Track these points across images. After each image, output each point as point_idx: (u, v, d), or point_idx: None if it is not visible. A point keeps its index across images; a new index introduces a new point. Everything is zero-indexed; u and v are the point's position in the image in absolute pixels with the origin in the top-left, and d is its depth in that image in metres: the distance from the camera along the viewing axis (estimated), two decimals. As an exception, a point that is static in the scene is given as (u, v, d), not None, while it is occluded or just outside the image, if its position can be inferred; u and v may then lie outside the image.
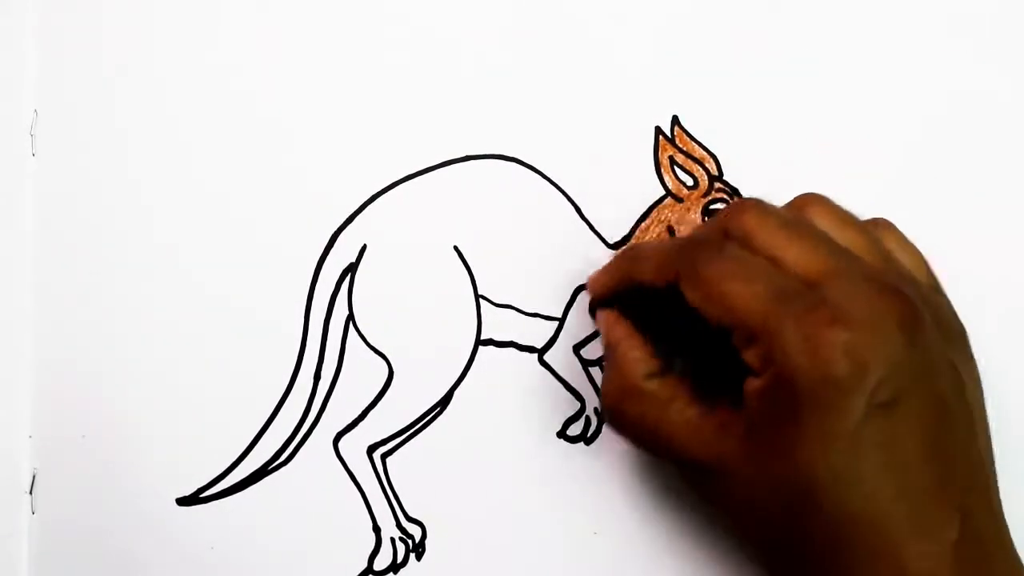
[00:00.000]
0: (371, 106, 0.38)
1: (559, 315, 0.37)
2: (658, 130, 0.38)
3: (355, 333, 0.37)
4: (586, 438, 0.37)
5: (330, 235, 0.37)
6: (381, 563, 0.36)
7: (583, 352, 0.37)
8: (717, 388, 0.31)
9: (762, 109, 0.38)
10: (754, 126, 0.38)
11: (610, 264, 0.35)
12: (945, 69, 0.39)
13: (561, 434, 0.37)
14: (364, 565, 0.36)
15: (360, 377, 0.37)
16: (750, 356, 0.29)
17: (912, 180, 0.38)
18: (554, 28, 0.39)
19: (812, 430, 0.28)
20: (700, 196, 0.38)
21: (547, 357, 0.37)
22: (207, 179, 0.38)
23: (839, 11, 0.39)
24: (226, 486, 0.36)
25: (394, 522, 0.36)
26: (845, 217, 0.32)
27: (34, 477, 0.37)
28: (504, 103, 0.38)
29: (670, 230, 0.38)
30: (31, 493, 0.36)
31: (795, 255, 0.30)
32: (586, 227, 0.38)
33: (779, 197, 0.34)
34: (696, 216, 0.38)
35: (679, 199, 0.38)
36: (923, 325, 0.29)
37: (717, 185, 0.38)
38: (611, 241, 0.38)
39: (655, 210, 0.38)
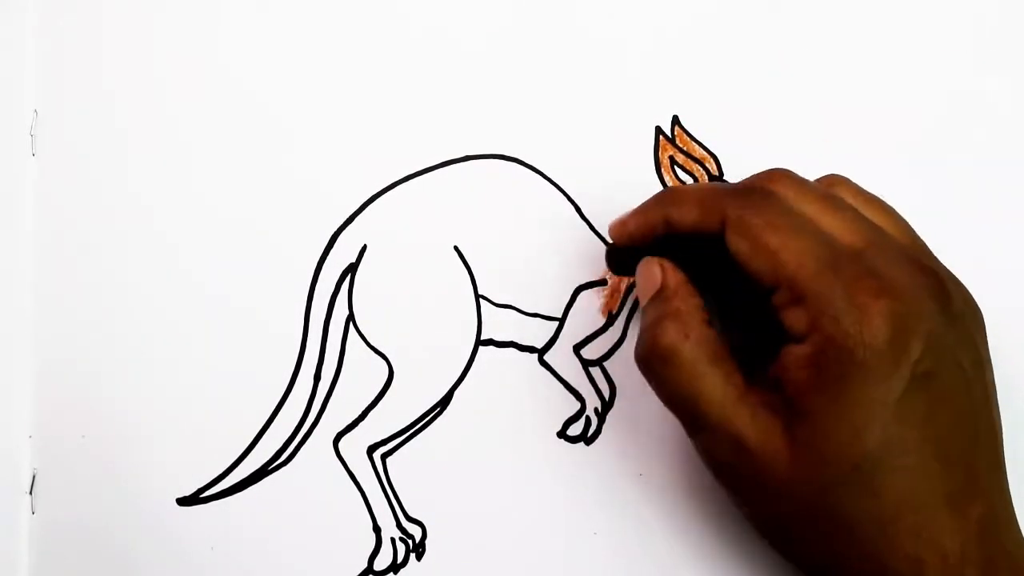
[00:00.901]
0: (371, 106, 0.38)
1: (559, 315, 0.37)
2: (658, 130, 0.38)
3: (355, 333, 0.37)
4: (586, 438, 0.37)
5: (330, 235, 0.37)
6: (381, 563, 0.36)
7: (583, 352, 0.37)
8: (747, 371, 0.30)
9: (762, 109, 0.38)
10: (754, 126, 0.38)
11: (644, 206, 0.33)
12: (945, 69, 0.39)
13: (561, 434, 0.37)
14: (364, 565, 0.36)
15: (360, 377, 0.37)
16: (793, 318, 0.29)
17: (912, 179, 0.38)
18: (554, 28, 0.39)
19: (859, 398, 0.27)
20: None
21: (547, 357, 0.37)
22: (207, 179, 0.38)
23: (839, 11, 0.39)
24: (226, 486, 0.36)
25: (394, 522, 0.36)
26: (871, 198, 0.32)
27: (34, 477, 0.37)
28: (504, 103, 0.38)
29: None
30: (31, 493, 0.36)
31: (833, 225, 0.30)
32: (586, 227, 0.38)
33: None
34: (696, 216, 0.38)
35: (679, 199, 0.38)
36: (953, 303, 0.29)
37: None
38: (611, 241, 0.38)
39: (655, 210, 0.38)
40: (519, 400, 0.37)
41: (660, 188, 0.38)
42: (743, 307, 0.32)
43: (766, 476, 0.29)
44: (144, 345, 0.37)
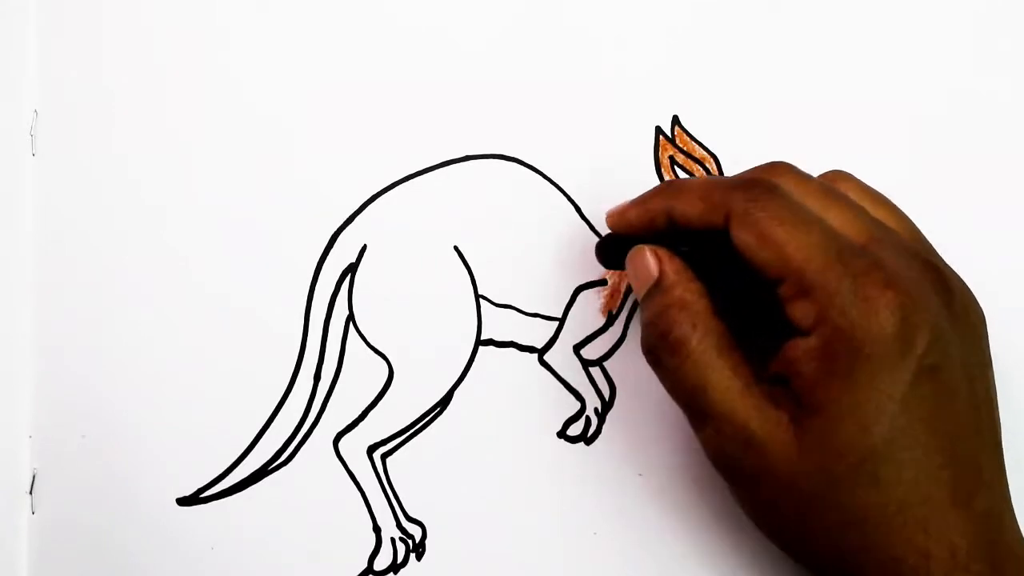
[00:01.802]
0: (371, 106, 0.38)
1: (559, 315, 0.37)
2: (658, 130, 0.38)
3: (355, 333, 0.37)
4: (586, 438, 0.37)
5: (330, 235, 0.37)
6: (381, 563, 0.36)
7: (583, 352, 0.37)
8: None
9: (762, 109, 0.38)
10: (754, 126, 0.38)
11: (646, 196, 0.33)
12: (945, 69, 0.39)
13: (561, 434, 0.37)
14: (364, 565, 0.36)
15: (360, 377, 0.37)
16: (800, 310, 0.29)
17: (913, 179, 0.38)
18: (554, 28, 0.39)
19: (868, 391, 0.27)
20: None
21: (547, 357, 0.37)
22: (207, 179, 0.38)
23: (839, 11, 0.39)
24: (226, 486, 0.36)
25: (394, 522, 0.36)
26: (874, 194, 0.33)
27: (34, 477, 0.37)
28: (505, 103, 0.38)
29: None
30: (31, 493, 0.36)
31: (836, 219, 0.30)
32: (586, 227, 0.38)
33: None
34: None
35: (679, 199, 0.38)
36: (955, 299, 0.29)
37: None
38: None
39: (655, 210, 0.38)
40: (519, 400, 0.37)
41: (660, 188, 0.38)
42: (744, 301, 0.32)
43: (773, 469, 0.29)
44: (144, 345, 0.37)
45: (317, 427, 0.37)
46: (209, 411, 0.37)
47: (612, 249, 0.34)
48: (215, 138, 0.38)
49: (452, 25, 0.39)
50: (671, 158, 0.38)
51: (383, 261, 0.37)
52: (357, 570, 0.36)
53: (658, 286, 0.31)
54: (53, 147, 0.38)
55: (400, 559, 0.36)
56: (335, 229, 0.38)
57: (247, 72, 0.38)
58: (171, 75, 0.38)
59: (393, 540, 0.36)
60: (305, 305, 0.37)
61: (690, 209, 0.31)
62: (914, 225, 0.33)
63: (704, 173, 0.38)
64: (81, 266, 0.37)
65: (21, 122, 0.38)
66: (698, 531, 0.36)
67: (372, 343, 0.37)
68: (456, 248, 0.38)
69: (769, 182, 0.30)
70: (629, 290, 0.38)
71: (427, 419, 0.37)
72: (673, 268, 0.31)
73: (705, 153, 0.38)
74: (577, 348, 0.37)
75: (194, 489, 0.36)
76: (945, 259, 0.32)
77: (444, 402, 0.37)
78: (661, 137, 0.38)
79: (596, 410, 0.37)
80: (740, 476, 0.30)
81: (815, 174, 0.33)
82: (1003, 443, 0.31)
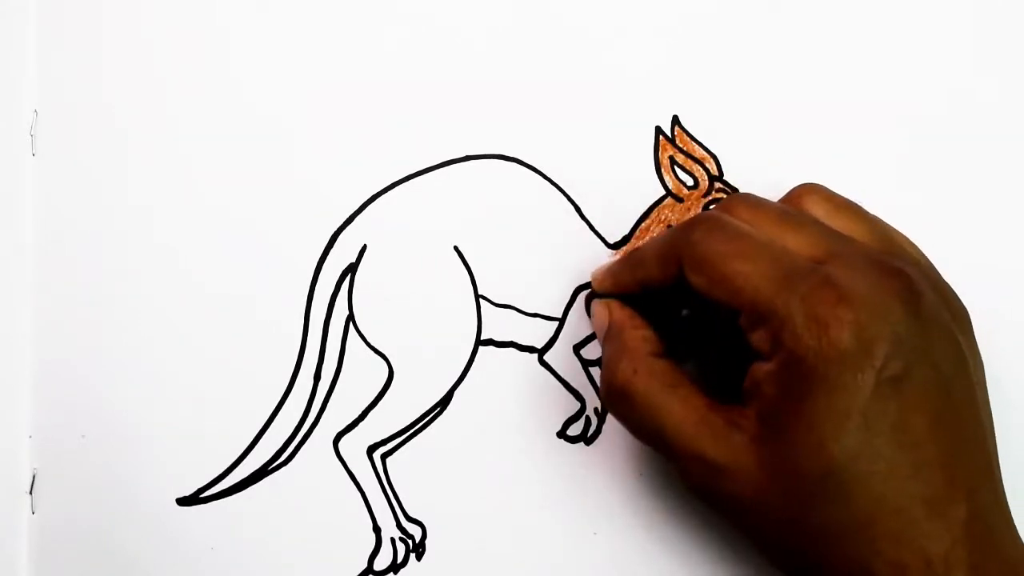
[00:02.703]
0: (371, 106, 0.38)
1: (559, 315, 0.37)
2: (658, 130, 0.38)
3: (355, 333, 0.37)
4: (586, 438, 0.37)
5: (330, 235, 0.37)
6: (381, 563, 0.36)
7: (583, 352, 0.37)
8: (724, 393, 0.31)
9: (762, 110, 0.38)
10: (754, 126, 0.38)
11: (615, 268, 0.35)
12: (945, 70, 0.39)
13: (561, 434, 0.37)
14: (364, 565, 0.36)
15: (360, 377, 0.37)
16: (758, 338, 0.29)
17: (912, 179, 0.38)
18: (554, 28, 0.39)
19: (824, 410, 0.28)
20: (700, 196, 0.38)
21: (547, 357, 0.37)
22: (207, 179, 0.38)
23: (839, 11, 0.39)
24: (226, 486, 0.36)
25: (394, 522, 0.36)
26: (841, 203, 0.33)
27: (34, 477, 0.37)
28: (504, 103, 0.38)
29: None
30: (31, 493, 0.36)
31: (792, 241, 0.30)
32: (586, 227, 0.38)
33: (779, 197, 0.34)
34: (696, 216, 0.38)
35: (679, 199, 0.38)
36: (924, 302, 0.29)
37: (717, 185, 0.38)
38: (611, 241, 0.38)
39: (655, 210, 0.38)
40: (519, 400, 0.37)
41: (660, 188, 0.38)
42: (721, 330, 0.32)
43: (741, 494, 0.29)
44: (144, 345, 0.37)
45: (317, 427, 0.37)
46: (209, 411, 0.37)
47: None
48: (215, 138, 0.38)
49: (452, 25, 0.39)
50: (671, 158, 0.38)
51: (383, 261, 0.37)
52: (357, 570, 0.36)
53: (607, 335, 0.33)
54: (53, 147, 0.38)
55: (400, 559, 0.36)
56: (335, 229, 0.38)
57: (247, 72, 0.38)
58: (171, 75, 0.38)
59: (393, 540, 0.36)
60: (305, 305, 0.37)
61: (652, 275, 0.32)
62: (885, 228, 0.32)
63: (704, 173, 0.38)
64: (81, 266, 0.37)
65: (21, 122, 0.38)
66: (698, 531, 0.36)
67: (372, 343, 0.37)
68: (456, 248, 0.38)
69: (715, 218, 0.31)
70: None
71: (427, 419, 0.37)
72: (619, 317, 0.33)
73: (705, 153, 0.38)
74: (577, 348, 0.37)
75: (194, 489, 0.36)
76: (944, 260, 0.32)
77: (444, 402, 0.37)
78: (661, 137, 0.38)
79: (596, 410, 0.37)
80: (713, 501, 0.31)
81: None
82: (1003, 444, 0.31)
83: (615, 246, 0.38)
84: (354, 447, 0.37)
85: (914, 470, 0.28)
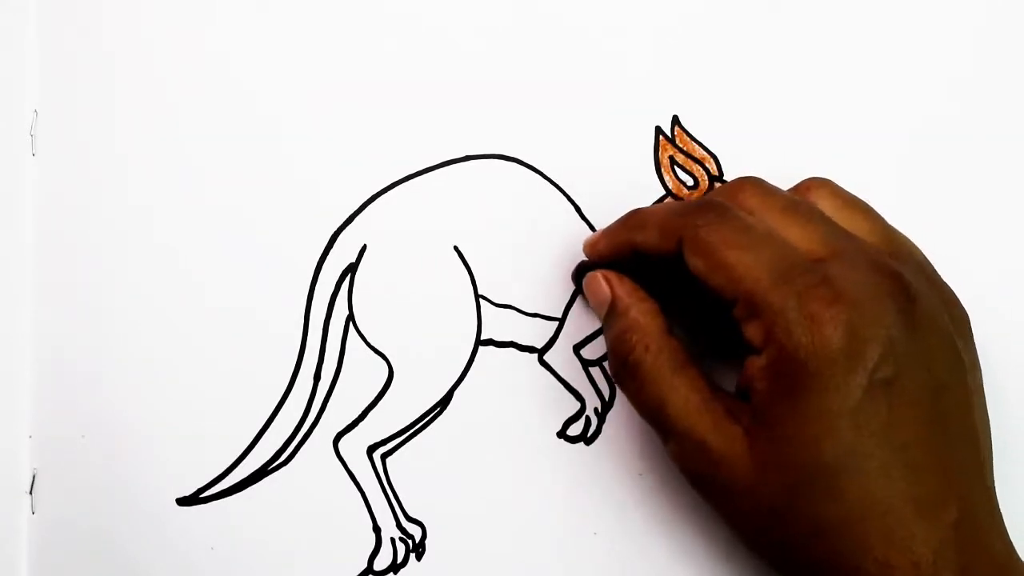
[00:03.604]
0: (371, 106, 0.38)
1: (559, 315, 0.37)
2: (658, 130, 0.38)
3: (355, 333, 0.37)
4: (586, 438, 0.37)
5: (330, 235, 0.37)
6: (381, 563, 0.36)
7: (583, 352, 0.37)
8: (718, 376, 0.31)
9: (762, 110, 0.38)
10: (754, 126, 0.38)
11: (612, 227, 0.34)
12: (945, 70, 0.39)
13: (561, 434, 0.37)
14: (364, 565, 0.36)
15: (360, 377, 0.37)
16: (751, 331, 0.29)
17: (913, 179, 0.38)
18: (554, 28, 0.39)
19: (815, 409, 0.28)
20: (700, 196, 0.38)
21: (547, 357, 0.37)
22: (207, 179, 0.38)
23: (839, 11, 0.39)
24: (226, 486, 0.36)
25: (394, 522, 0.36)
26: (849, 200, 0.33)
27: (34, 477, 0.37)
28: (504, 103, 0.38)
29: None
30: (31, 493, 0.36)
31: (796, 235, 0.30)
32: (586, 227, 0.38)
33: (779, 197, 0.34)
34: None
35: (679, 199, 0.38)
36: (920, 305, 0.29)
37: (717, 185, 0.38)
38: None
39: (655, 210, 0.38)
40: (519, 400, 0.37)
41: (660, 188, 0.38)
42: (717, 318, 0.32)
43: (733, 483, 0.29)
44: (144, 345, 0.37)
45: (317, 427, 0.37)
46: (209, 411, 0.37)
47: (584, 272, 0.36)
48: (215, 138, 0.38)
49: (452, 25, 0.39)
50: (671, 158, 0.38)
51: (383, 261, 0.37)
52: (357, 570, 0.36)
53: (613, 311, 0.33)
54: (53, 147, 0.38)
55: (400, 559, 0.36)
56: (335, 229, 0.38)
57: (247, 72, 0.38)
58: (171, 75, 0.38)
59: (393, 540, 0.36)
60: (305, 305, 0.37)
61: (649, 240, 0.32)
62: (888, 228, 0.32)
63: (704, 173, 0.38)
64: (81, 266, 0.37)
65: (21, 122, 0.38)
66: (698, 531, 0.36)
67: (372, 343, 0.37)
68: (456, 248, 0.38)
69: (721, 205, 0.31)
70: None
71: (427, 419, 0.37)
72: (624, 291, 0.33)
73: (705, 153, 0.38)
74: (577, 348, 0.37)
75: (194, 489, 0.36)
76: (944, 260, 0.32)
77: (444, 402, 0.37)
78: (661, 137, 0.38)
79: (596, 410, 0.37)
80: (706, 489, 0.31)
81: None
82: (1002, 444, 0.31)
83: (615, 246, 0.38)
84: (354, 447, 0.37)
85: (905, 471, 0.28)
